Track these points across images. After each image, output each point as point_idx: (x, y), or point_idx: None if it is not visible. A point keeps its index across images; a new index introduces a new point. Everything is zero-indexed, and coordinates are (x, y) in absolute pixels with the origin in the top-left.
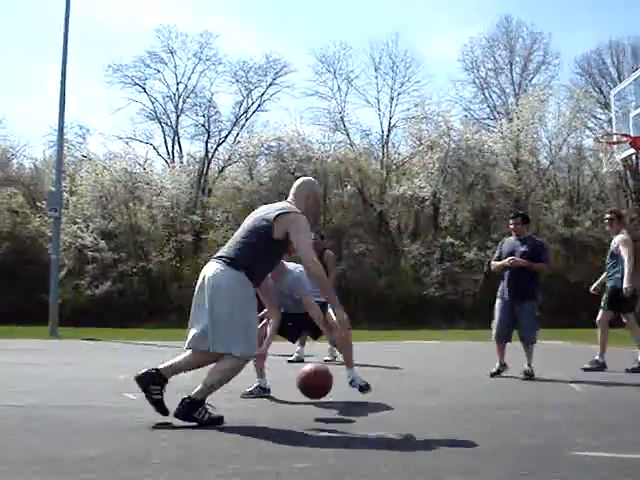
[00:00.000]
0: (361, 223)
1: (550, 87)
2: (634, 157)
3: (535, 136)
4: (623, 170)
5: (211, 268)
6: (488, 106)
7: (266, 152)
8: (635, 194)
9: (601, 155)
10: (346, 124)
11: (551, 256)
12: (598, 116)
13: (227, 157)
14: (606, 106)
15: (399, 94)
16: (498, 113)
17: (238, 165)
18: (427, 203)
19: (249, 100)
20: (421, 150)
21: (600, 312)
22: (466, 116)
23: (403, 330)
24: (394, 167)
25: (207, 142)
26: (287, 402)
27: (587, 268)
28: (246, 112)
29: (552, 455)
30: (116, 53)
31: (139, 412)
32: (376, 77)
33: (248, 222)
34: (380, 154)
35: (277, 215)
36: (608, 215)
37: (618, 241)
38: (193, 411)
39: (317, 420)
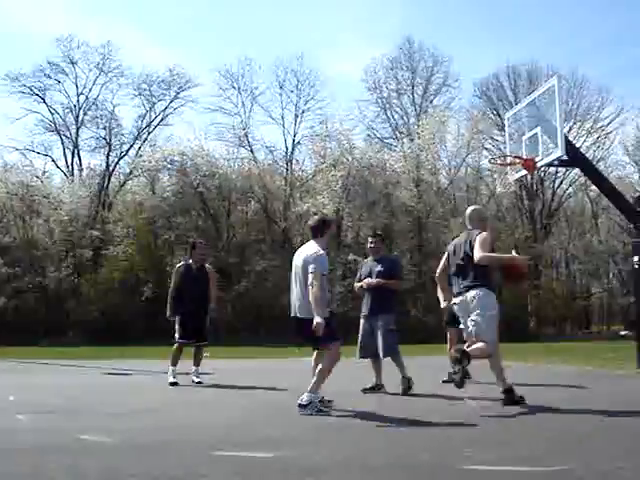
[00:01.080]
0: (264, 240)
1: (450, 109)
2: (529, 178)
3: (435, 156)
4: (519, 190)
5: None
6: (390, 126)
7: (169, 167)
8: (530, 213)
9: (495, 176)
10: (250, 140)
11: (401, 271)
12: (496, 137)
13: (129, 171)
14: (502, 128)
15: (303, 112)
16: (400, 133)
17: (140, 179)
18: None
19: (152, 113)
20: (324, 168)
21: None
22: (369, 135)
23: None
24: (298, 184)
25: (108, 155)
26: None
27: None
28: (149, 126)
29: (445, 470)
30: (15, 62)
31: (29, 433)
32: (281, 95)
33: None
34: (284, 171)
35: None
36: None
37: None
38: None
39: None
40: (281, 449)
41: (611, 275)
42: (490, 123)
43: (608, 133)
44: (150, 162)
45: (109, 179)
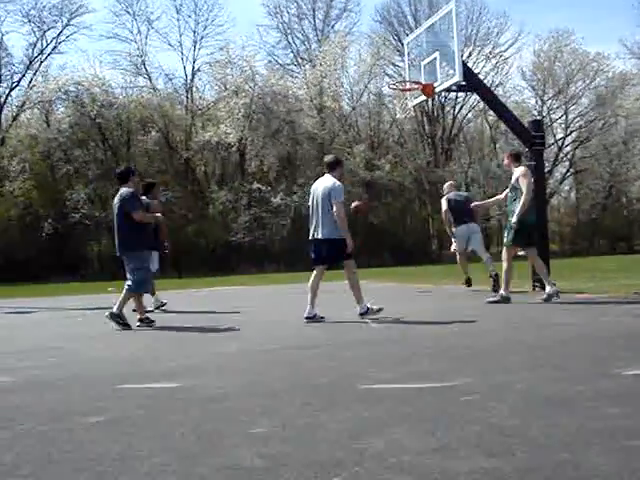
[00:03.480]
0: (167, 170)
1: (352, 34)
2: (429, 103)
3: (337, 82)
4: (420, 116)
5: None
6: (292, 52)
7: (64, 97)
8: (431, 139)
9: (395, 102)
10: (148, 68)
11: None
12: (397, 63)
13: (21, 103)
14: (404, 54)
15: (202, 37)
16: (302, 59)
17: (34, 112)
18: (233, 149)
19: (43, 42)
20: (226, 95)
21: (504, 249)
22: (270, 61)
23: (213, 277)
24: (199, 113)
25: None
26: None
27: (387, 210)
28: (41, 54)
29: (343, 390)
30: None
31: None
32: (178, 20)
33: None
34: (185, 99)
35: None
36: (505, 155)
37: (519, 173)
38: None
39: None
40: (185, 379)
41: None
42: (391, 49)
43: (506, 58)
44: (44, 93)
45: (0, 112)
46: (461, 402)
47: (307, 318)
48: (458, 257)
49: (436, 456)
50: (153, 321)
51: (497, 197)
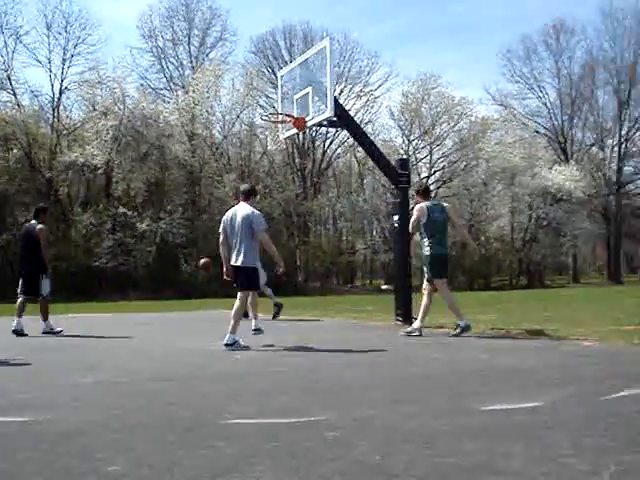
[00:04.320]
0: (28, 190)
1: (226, 63)
2: (300, 136)
3: (210, 110)
4: (291, 148)
5: None
6: (165, 76)
7: None
8: (301, 171)
9: (267, 134)
10: (13, 83)
11: None
12: (270, 95)
13: None
14: (277, 87)
15: (72, 56)
16: (175, 84)
17: None
18: (100, 171)
19: None
20: (95, 116)
21: (426, 283)
22: (142, 85)
23: (73, 303)
24: (65, 132)
25: None
26: None
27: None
28: None
29: (204, 425)
30: None
31: None
32: (48, 36)
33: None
34: (51, 118)
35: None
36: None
37: (415, 210)
38: None
39: None
40: (35, 413)
41: (374, 232)
42: (265, 80)
43: (376, 97)
44: None
45: None
46: (326, 437)
47: (226, 345)
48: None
49: None
50: None
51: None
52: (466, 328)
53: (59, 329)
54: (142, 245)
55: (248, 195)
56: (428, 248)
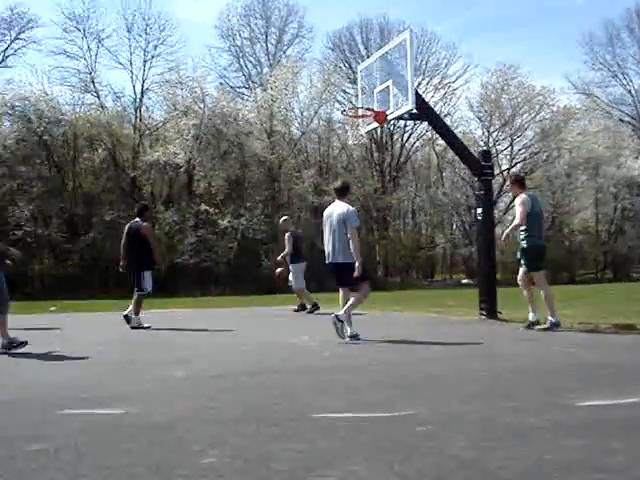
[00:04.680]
0: (113, 189)
1: (304, 59)
2: (379, 131)
3: (288, 107)
4: (369, 143)
5: None
6: (243, 75)
7: (10, 112)
8: (379, 166)
9: (347, 128)
10: (97, 86)
11: None
12: (347, 90)
13: None
14: (355, 81)
15: (153, 57)
16: (253, 82)
17: None
18: (181, 170)
19: None
20: (175, 115)
21: (521, 272)
22: (221, 83)
23: (156, 298)
24: (148, 132)
25: None
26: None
27: None
28: None
29: (295, 419)
30: None
31: None
32: (129, 38)
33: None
34: (133, 118)
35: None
36: (509, 180)
37: (518, 202)
38: None
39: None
40: (131, 405)
41: (454, 226)
42: (342, 76)
43: (455, 89)
44: None
45: None
46: (417, 432)
47: (351, 337)
48: (299, 288)
49: None
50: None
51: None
52: (556, 324)
53: (147, 325)
54: (223, 241)
55: (344, 192)
56: (526, 240)
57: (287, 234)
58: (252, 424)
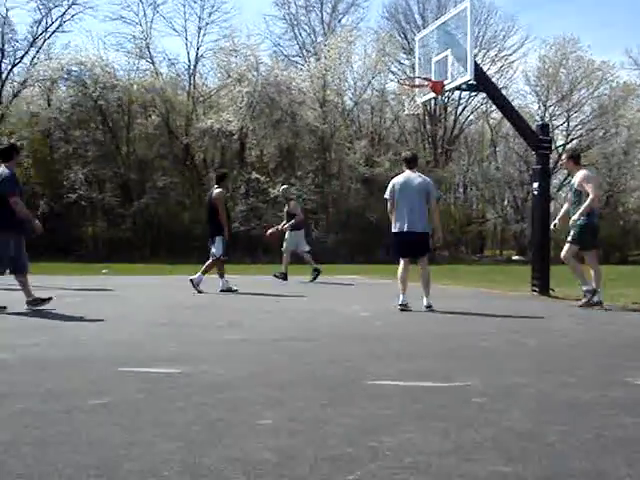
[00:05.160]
0: (166, 155)
1: (358, 29)
2: (432, 103)
3: (341, 76)
4: (422, 115)
5: None
6: (297, 43)
7: (66, 77)
8: (432, 138)
9: (404, 98)
10: (152, 52)
11: None
12: (402, 61)
13: (23, 80)
14: (409, 52)
15: (207, 24)
16: (307, 51)
17: (35, 89)
18: (234, 137)
19: (48, 19)
20: (229, 83)
21: (567, 247)
22: (275, 52)
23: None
24: (201, 99)
25: (0, 62)
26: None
27: (385, 207)
28: (45, 32)
29: (349, 385)
30: None
31: None
32: (184, 5)
33: None
34: (187, 85)
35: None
36: (563, 156)
37: (581, 177)
38: None
39: (117, 358)
40: (186, 365)
41: (506, 202)
42: (397, 46)
43: (511, 62)
44: (46, 71)
45: (1, 88)
46: (472, 403)
47: (401, 305)
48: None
49: (452, 458)
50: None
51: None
52: (599, 302)
53: (235, 288)
54: (274, 210)
55: (414, 162)
56: (584, 217)
57: (293, 202)
58: (306, 388)
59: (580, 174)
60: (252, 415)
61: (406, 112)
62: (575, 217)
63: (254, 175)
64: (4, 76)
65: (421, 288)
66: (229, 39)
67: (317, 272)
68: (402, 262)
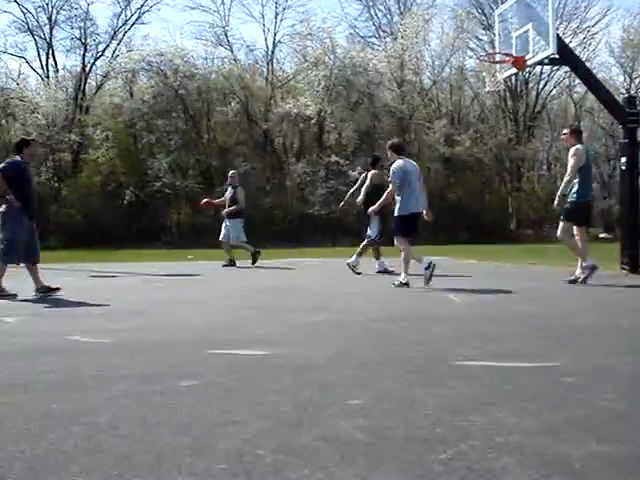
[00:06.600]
0: (246, 141)
1: (434, 7)
2: (513, 79)
3: (419, 56)
4: (503, 91)
5: None
6: (373, 24)
7: (147, 68)
8: (513, 114)
9: (484, 75)
10: (230, 39)
11: None
12: (480, 37)
13: (105, 72)
14: (488, 28)
15: (284, 9)
16: (383, 32)
17: (117, 81)
18: (312, 121)
19: (127, 12)
20: (306, 67)
21: (560, 224)
22: (351, 34)
23: (287, 249)
24: (279, 84)
25: (84, 56)
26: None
27: (466, 187)
28: (125, 24)
29: (436, 365)
30: None
31: (20, 336)
32: None
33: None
34: (265, 71)
35: None
36: (565, 130)
37: (571, 152)
38: None
39: (200, 341)
40: (274, 347)
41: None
42: (475, 22)
43: (594, 34)
44: (127, 63)
45: (85, 81)
46: (563, 383)
47: (406, 284)
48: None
49: (545, 438)
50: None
51: None
52: (593, 267)
53: (359, 271)
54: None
55: (405, 151)
56: (576, 194)
57: (239, 188)
58: (393, 368)
59: (572, 149)
60: (341, 395)
61: (487, 89)
62: (558, 193)
63: (333, 158)
64: (87, 69)
65: (402, 264)
66: (305, 23)
67: (257, 254)
68: (407, 241)
